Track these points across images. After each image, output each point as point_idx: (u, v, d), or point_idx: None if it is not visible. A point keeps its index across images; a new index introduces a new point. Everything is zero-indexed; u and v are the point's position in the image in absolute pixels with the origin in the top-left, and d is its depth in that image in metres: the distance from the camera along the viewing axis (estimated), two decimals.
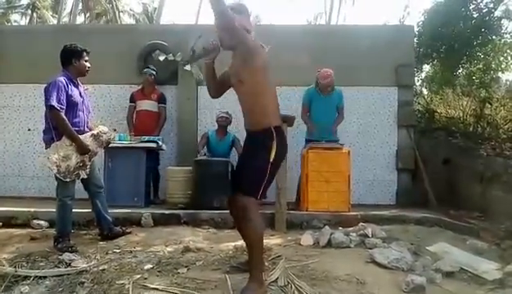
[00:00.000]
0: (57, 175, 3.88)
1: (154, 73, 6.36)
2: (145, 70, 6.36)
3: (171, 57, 6.58)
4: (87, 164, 4.00)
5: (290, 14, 49.84)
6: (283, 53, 6.33)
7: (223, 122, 6.15)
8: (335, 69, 5.91)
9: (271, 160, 2.86)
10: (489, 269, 3.39)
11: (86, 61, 4.13)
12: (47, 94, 3.87)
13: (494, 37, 8.42)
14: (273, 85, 3.07)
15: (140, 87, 6.45)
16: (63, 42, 4.18)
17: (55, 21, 25.23)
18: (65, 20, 24.36)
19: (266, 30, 7.16)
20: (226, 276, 3.05)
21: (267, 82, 2.96)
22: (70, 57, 4.07)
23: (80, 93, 4.13)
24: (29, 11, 27.59)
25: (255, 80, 2.92)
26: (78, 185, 4.13)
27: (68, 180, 3.90)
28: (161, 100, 6.43)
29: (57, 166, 3.85)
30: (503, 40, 8.56)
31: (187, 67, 6.57)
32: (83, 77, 4.20)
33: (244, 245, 3.64)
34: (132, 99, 6.42)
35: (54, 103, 3.82)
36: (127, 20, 26.67)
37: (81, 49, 4.12)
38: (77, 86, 4.11)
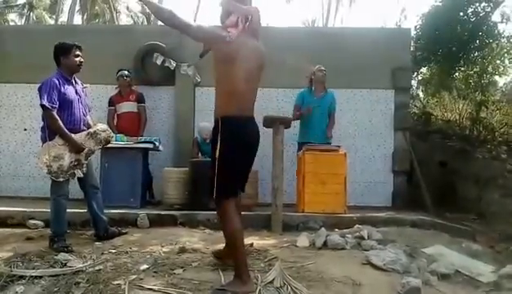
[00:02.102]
0: (49, 175, 3.87)
1: (128, 74, 6.34)
2: (119, 73, 6.31)
3: (167, 64, 6.61)
4: (82, 163, 3.99)
5: (287, 16, 49.90)
6: (280, 55, 6.34)
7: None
8: (332, 71, 5.95)
9: (217, 155, 2.84)
10: (484, 271, 3.40)
11: (76, 56, 4.05)
12: (40, 93, 3.89)
13: (491, 40, 8.46)
14: (250, 75, 2.95)
15: (117, 90, 6.43)
16: (63, 41, 4.16)
17: (52, 21, 25.20)
18: (63, 20, 24.34)
19: (265, 32, 7.18)
20: (222, 277, 3.05)
21: (230, 70, 2.89)
22: (59, 55, 4.05)
23: (76, 91, 4.10)
24: (26, 11, 27.55)
25: (216, 67, 2.95)
26: (75, 185, 4.12)
27: (61, 179, 3.87)
28: (140, 99, 6.40)
29: (48, 166, 3.82)
30: (500, 44, 8.60)
31: (184, 70, 6.63)
32: (76, 73, 4.12)
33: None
34: (112, 103, 6.38)
35: (45, 102, 3.82)
36: (125, 20, 26.67)
37: (69, 45, 4.06)
38: (72, 84, 4.08)
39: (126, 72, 6.32)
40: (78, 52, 4.08)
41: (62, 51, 4.05)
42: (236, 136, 2.88)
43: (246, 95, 2.96)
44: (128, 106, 6.32)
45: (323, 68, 5.86)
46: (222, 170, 2.85)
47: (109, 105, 6.40)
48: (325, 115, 5.93)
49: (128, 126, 6.21)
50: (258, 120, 4.89)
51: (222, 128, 2.87)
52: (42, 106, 3.85)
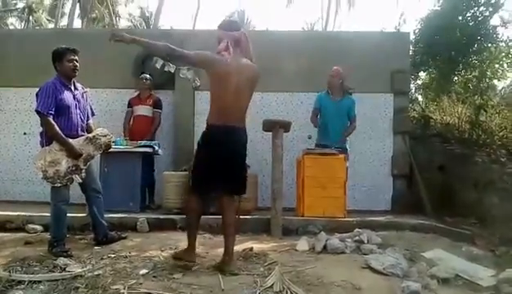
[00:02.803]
0: (45, 181, 3.87)
1: (150, 78, 6.37)
2: (141, 76, 6.38)
3: (167, 68, 6.61)
4: (81, 168, 3.97)
5: (287, 20, 50.07)
6: (280, 59, 6.35)
7: None
8: None
9: (194, 153, 3.53)
10: (484, 275, 3.40)
11: (70, 61, 4.01)
12: (37, 99, 3.89)
13: (489, 44, 8.48)
14: (240, 90, 3.40)
15: (137, 93, 6.47)
16: (60, 45, 4.17)
17: (51, 25, 25.26)
18: (62, 24, 24.38)
19: (263, 36, 7.20)
20: (221, 281, 3.05)
21: (222, 87, 3.39)
22: (53, 61, 4.06)
23: (74, 96, 4.09)
24: (26, 15, 27.61)
25: (211, 85, 3.45)
26: (75, 189, 4.12)
27: (58, 185, 3.87)
28: (157, 105, 6.43)
29: (43, 171, 3.82)
30: (498, 48, 8.62)
31: (183, 74, 6.63)
32: (71, 77, 4.07)
33: (240, 250, 3.80)
34: (130, 104, 6.44)
35: (39, 108, 3.84)
36: (124, 24, 26.72)
37: (62, 50, 4.04)
38: (70, 89, 4.08)
39: (147, 75, 6.37)
40: (71, 57, 4.03)
41: (56, 57, 4.05)
42: (212, 142, 3.40)
43: (233, 108, 3.40)
44: (143, 110, 6.36)
45: (334, 72, 5.74)
46: (194, 167, 3.53)
47: (128, 107, 6.45)
48: (344, 119, 5.83)
49: (141, 129, 6.25)
50: (258, 124, 4.97)
51: (205, 132, 3.45)
52: (37, 112, 3.86)
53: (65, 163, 3.88)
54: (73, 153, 3.90)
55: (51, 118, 3.86)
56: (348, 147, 5.83)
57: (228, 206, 3.50)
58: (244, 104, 3.49)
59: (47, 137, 3.90)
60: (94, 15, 25.31)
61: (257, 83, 3.55)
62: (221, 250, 3.54)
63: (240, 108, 3.45)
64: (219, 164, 3.36)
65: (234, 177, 3.46)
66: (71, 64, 4.03)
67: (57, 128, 3.86)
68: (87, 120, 4.29)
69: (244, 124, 3.52)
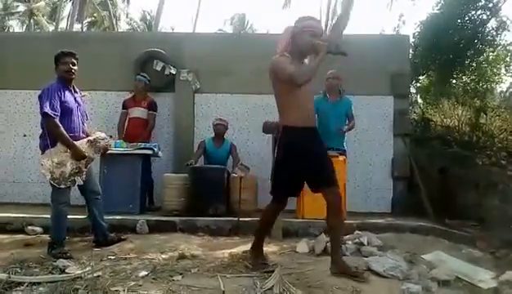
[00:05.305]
0: (51, 182, 3.86)
1: (145, 80, 6.33)
2: (137, 77, 6.32)
3: (167, 71, 6.62)
4: (83, 170, 3.98)
5: (285, 22, 50.04)
6: None
7: (221, 129, 6.09)
8: None
9: None
10: (484, 277, 3.39)
11: (64, 63, 4.03)
12: (41, 101, 3.88)
13: (486, 48, 8.49)
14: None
15: (131, 95, 6.43)
16: (60, 48, 4.17)
17: (51, 28, 25.31)
18: (62, 26, 24.44)
19: (260, 38, 7.21)
20: (221, 283, 3.04)
21: None
22: (55, 65, 4.08)
23: (75, 99, 4.11)
24: (26, 18, 27.67)
25: None
26: (74, 191, 4.12)
27: (63, 186, 3.87)
28: (151, 107, 6.37)
29: (51, 172, 3.82)
30: (496, 52, 8.63)
31: (183, 76, 6.65)
32: (67, 80, 4.07)
33: (240, 252, 3.81)
34: (125, 106, 6.38)
35: (47, 110, 3.82)
36: (124, 27, 26.78)
37: (57, 54, 4.07)
38: (71, 92, 4.09)
39: (143, 78, 6.32)
40: (66, 59, 4.05)
41: (55, 61, 4.08)
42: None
43: None
44: (138, 112, 6.30)
45: (333, 75, 5.78)
46: None
47: (122, 108, 6.40)
48: (341, 120, 5.85)
49: (135, 131, 6.19)
50: (258, 126, 4.96)
51: None
52: (45, 114, 3.83)
53: (69, 165, 3.89)
54: (78, 155, 3.91)
55: (57, 120, 3.86)
56: (345, 148, 5.84)
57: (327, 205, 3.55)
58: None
59: (51, 139, 3.89)
60: (93, 19, 25.37)
61: (272, 77, 3.65)
62: (220, 251, 3.54)
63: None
64: None
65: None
66: (65, 66, 4.03)
67: (63, 130, 3.86)
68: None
69: (282, 121, 3.59)
